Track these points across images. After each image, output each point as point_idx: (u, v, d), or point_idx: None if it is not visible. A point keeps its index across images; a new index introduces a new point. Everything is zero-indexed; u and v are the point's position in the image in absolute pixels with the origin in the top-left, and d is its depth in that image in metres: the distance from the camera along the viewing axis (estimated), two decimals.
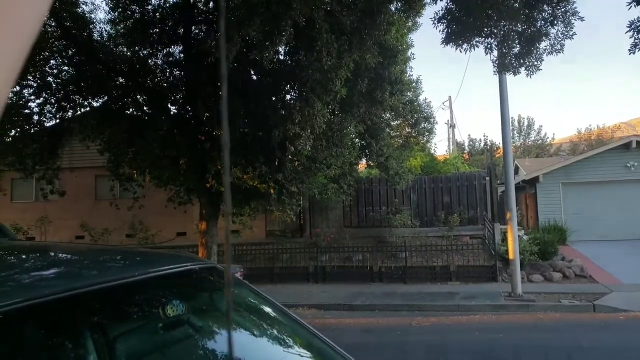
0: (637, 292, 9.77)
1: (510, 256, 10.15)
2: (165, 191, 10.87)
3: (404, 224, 14.03)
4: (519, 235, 11.18)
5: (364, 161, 14.51)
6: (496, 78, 10.14)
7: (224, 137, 0.47)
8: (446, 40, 6.17)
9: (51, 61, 9.56)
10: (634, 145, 16.47)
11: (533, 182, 17.54)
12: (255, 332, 1.76)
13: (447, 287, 11.49)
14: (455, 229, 13.66)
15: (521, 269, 10.69)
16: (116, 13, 9.69)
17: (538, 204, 17.37)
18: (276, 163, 9.23)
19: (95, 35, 9.78)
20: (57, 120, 9.92)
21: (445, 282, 11.97)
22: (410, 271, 12.23)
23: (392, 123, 13.71)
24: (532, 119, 37.66)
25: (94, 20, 9.84)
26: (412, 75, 12.91)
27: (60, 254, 1.72)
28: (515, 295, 9.83)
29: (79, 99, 9.82)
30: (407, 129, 14.75)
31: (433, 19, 6.21)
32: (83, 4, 9.59)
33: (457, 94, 79.40)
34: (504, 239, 11.64)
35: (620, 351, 5.81)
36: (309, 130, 8.46)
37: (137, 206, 12.45)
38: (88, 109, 10.18)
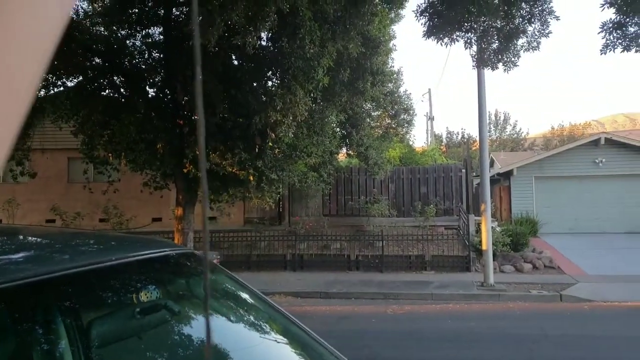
0: (601, 283, 10.18)
1: (484, 247, 10.40)
2: (141, 175, 10.68)
3: (381, 213, 14.19)
4: (492, 227, 11.45)
5: (344, 150, 14.55)
6: (475, 72, 10.28)
7: (199, 124, 0.48)
8: (428, 34, 6.22)
9: None
10: (602, 142, 17.02)
11: (507, 175, 17.93)
12: (232, 318, 1.78)
13: (422, 276, 11.71)
14: (431, 219, 13.89)
15: (494, 260, 10.98)
16: None
17: (512, 197, 17.80)
18: (256, 150, 9.17)
19: (71, 13, 9.47)
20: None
21: (421, 271, 12.20)
22: (386, 260, 12.41)
23: (372, 113, 13.76)
24: (508, 114, 38.42)
25: None
26: (393, 67, 12.96)
27: (32, 237, 1.68)
28: (488, 285, 10.10)
29: (52, 78, 9.52)
30: (387, 120, 14.84)
31: (416, 12, 6.25)
32: None
33: (437, 86, 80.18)
34: (478, 230, 11.90)
35: (582, 338, 6.07)
36: (290, 118, 8.42)
37: (112, 190, 12.24)
38: (62, 88, 9.89)
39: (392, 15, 10.67)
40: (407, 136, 17.80)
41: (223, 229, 13.61)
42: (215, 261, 8.14)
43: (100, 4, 9.49)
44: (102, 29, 9.63)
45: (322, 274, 12.05)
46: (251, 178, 9.20)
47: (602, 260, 12.35)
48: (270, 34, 8.82)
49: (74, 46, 8.88)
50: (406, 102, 13.98)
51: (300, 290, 10.40)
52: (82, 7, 9.67)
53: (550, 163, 17.58)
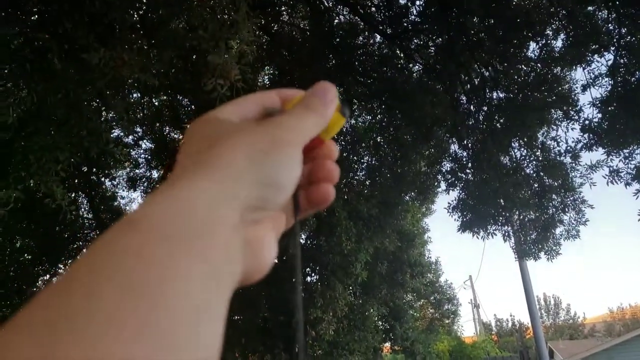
0: None
1: None
2: None
3: None
4: None
5: (388, 345, 13.70)
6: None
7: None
8: (462, 228, 6.44)
9: (83, 250, 10.01)
10: None
11: None
12: None
13: None
14: None
15: None
16: None
17: None
18: (296, 349, 8.78)
19: None
20: None
21: None
22: None
23: (414, 305, 13.35)
24: (558, 297, 36.35)
25: (129, 212, 10.58)
26: (430, 258, 13.06)
27: None
28: None
29: None
30: (431, 310, 14.27)
31: (447, 209, 6.59)
32: (121, 198, 10.48)
33: (478, 273, 78.52)
34: None
35: None
36: (330, 314, 8.26)
37: None
38: None
39: (424, 209, 11.24)
40: (454, 327, 16.81)
41: None
42: None
43: None
44: None
45: None
46: None
47: None
48: (308, 233, 9.30)
49: None
50: (448, 292, 13.63)
51: None
52: None
53: (620, 352, 15.77)
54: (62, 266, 9.55)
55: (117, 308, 0.22)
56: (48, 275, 9.59)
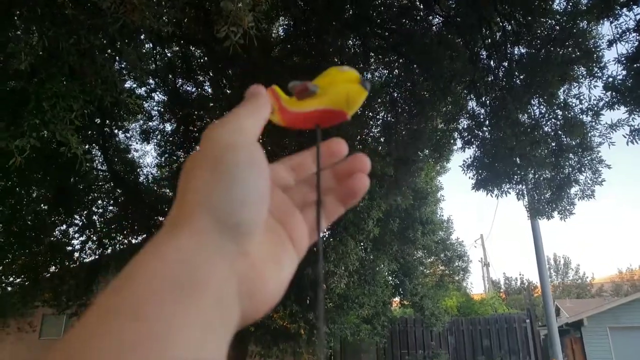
0: None
1: None
2: None
3: None
4: None
5: (397, 299, 14.02)
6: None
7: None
8: (476, 186, 6.39)
9: (98, 202, 10.22)
10: None
11: (577, 325, 16.28)
12: None
13: None
14: None
15: None
16: (163, 158, 10.54)
17: (586, 350, 15.86)
18: (307, 302, 9.04)
19: (142, 178, 10.55)
20: (97, 257, 10.23)
21: None
22: None
23: (425, 261, 13.53)
24: (568, 257, 36.51)
25: (142, 165, 10.71)
26: (442, 216, 13.09)
27: None
28: None
29: (119, 237, 10.23)
30: (441, 267, 14.46)
31: (462, 167, 6.52)
32: (134, 151, 10.56)
33: (489, 232, 79.02)
34: None
35: None
36: (342, 268, 8.44)
37: None
38: (126, 246, 10.52)
39: (438, 167, 11.17)
40: (464, 284, 17.08)
41: None
42: None
43: (167, 169, 10.56)
44: (168, 190, 10.56)
45: None
46: (302, 332, 8.91)
47: None
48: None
49: (143, 207, 9.71)
50: (459, 250, 13.74)
51: None
52: (151, 173, 10.80)
53: (625, 311, 15.91)
54: (77, 217, 9.79)
55: None
56: (65, 226, 9.85)
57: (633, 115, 5.46)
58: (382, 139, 7.94)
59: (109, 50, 3.72)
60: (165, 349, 0.23)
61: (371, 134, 8.16)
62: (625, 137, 5.39)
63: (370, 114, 7.69)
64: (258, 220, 0.33)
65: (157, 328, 0.24)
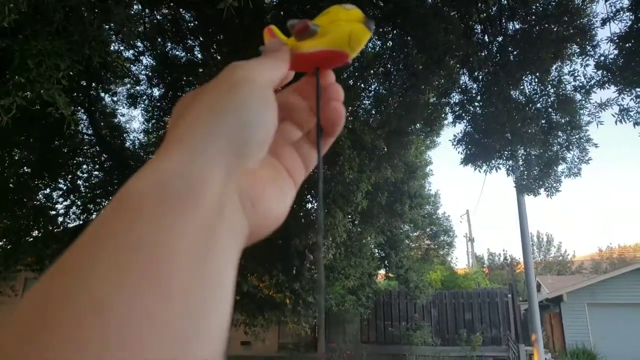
0: None
1: None
2: None
3: (424, 341, 13.30)
4: (546, 359, 10.45)
5: (382, 272, 14.25)
6: (514, 195, 10.32)
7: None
8: (465, 161, 6.42)
9: (83, 166, 10.07)
10: None
11: (557, 301, 16.78)
12: None
13: None
14: (478, 349, 12.86)
15: None
16: (150, 124, 10.38)
17: (564, 325, 16.42)
18: (294, 271, 9.16)
19: (128, 143, 10.41)
20: (81, 222, 10.15)
21: None
22: None
23: (411, 235, 13.71)
24: (551, 235, 37.30)
25: (128, 130, 10.55)
26: (430, 190, 13.20)
27: None
28: None
29: (104, 202, 10.14)
30: (427, 241, 14.68)
31: (452, 141, 6.54)
32: (121, 115, 10.38)
33: (475, 208, 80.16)
34: None
35: None
36: (330, 239, 8.51)
37: None
38: None
39: (428, 141, 11.19)
40: (448, 258, 17.39)
41: (257, 355, 13.00)
42: None
43: (154, 135, 10.43)
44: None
45: None
46: (287, 301, 9.05)
47: None
48: None
49: (129, 172, 9.58)
50: (445, 224, 13.93)
51: None
52: (138, 139, 10.64)
53: (603, 288, 16.41)
54: (61, 181, 9.65)
55: (116, 264, 0.23)
56: (48, 190, 9.70)
57: (622, 95, 5.49)
58: (373, 111, 7.90)
59: (96, 10, 3.61)
60: (171, 253, 0.24)
61: (362, 106, 8.11)
62: (614, 117, 5.43)
63: (362, 85, 7.62)
64: (265, 142, 0.34)
65: (158, 233, 0.24)
